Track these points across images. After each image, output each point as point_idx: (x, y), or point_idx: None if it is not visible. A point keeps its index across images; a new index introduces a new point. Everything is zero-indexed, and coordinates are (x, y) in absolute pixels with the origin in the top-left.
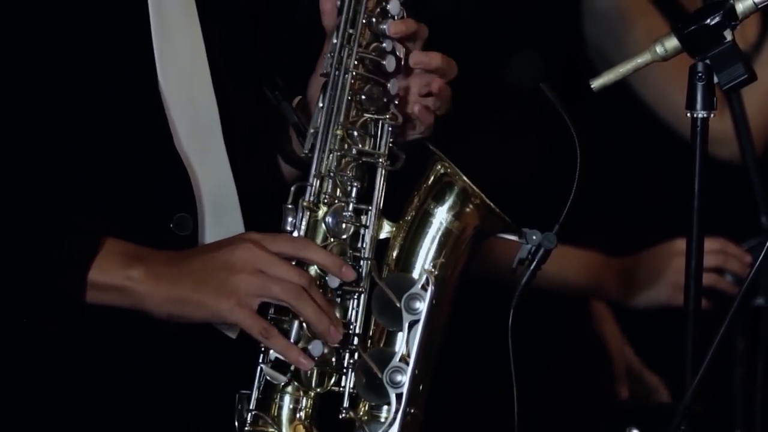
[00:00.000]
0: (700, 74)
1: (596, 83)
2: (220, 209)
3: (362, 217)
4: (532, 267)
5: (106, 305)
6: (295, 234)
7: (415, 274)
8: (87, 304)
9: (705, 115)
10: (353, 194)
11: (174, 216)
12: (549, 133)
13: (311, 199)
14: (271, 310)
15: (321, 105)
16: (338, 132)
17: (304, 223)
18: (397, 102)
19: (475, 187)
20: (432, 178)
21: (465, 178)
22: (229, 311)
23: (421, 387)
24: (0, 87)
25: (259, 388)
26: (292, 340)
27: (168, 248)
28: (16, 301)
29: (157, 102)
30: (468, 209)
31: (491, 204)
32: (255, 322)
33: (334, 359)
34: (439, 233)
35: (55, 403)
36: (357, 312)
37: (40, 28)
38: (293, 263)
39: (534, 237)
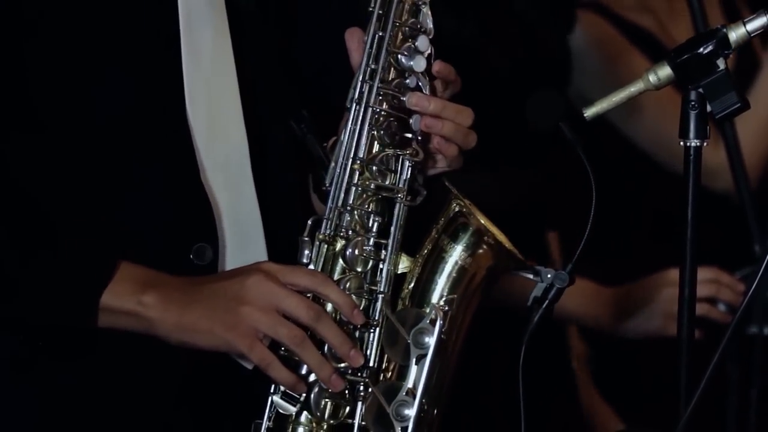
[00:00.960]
0: (693, 103)
1: (589, 112)
2: (244, 241)
3: (380, 251)
4: (544, 306)
5: (118, 329)
6: (311, 267)
7: (427, 310)
8: (102, 331)
9: (698, 144)
10: (372, 228)
11: (193, 245)
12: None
13: (328, 232)
14: None
15: (342, 139)
16: (356, 166)
17: (320, 256)
18: (419, 138)
19: (489, 226)
20: (448, 215)
21: (480, 216)
22: (235, 340)
23: (430, 422)
24: (27, 108)
25: (270, 418)
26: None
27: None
28: (29, 323)
29: (184, 132)
30: (482, 248)
31: (505, 243)
32: (256, 351)
33: (346, 392)
34: (454, 270)
35: (71, 430)
36: (371, 345)
37: (73, 53)
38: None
39: (548, 276)
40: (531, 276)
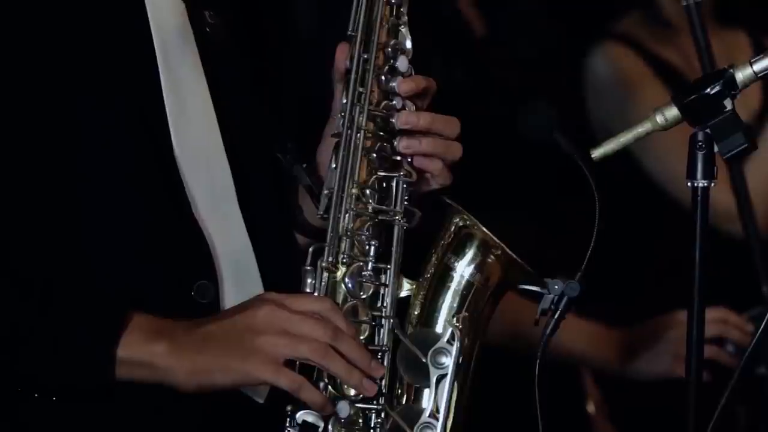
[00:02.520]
0: (700, 143)
1: (597, 153)
2: (240, 275)
3: (381, 276)
4: (555, 316)
5: (132, 381)
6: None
7: (439, 329)
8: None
9: (705, 185)
10: (371, 253)
11: (194, 284)
12: (567, 183)
13: (330, 259)
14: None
15: (334, 165)
16: (353, 191)
17: (323, 284)
18: (409, 159)
19: (495, 238)
20: (451, 231)
21: (485, 228)
22: (257, 370)
23: None
24: (18, 159)
25: None
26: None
27: (190, 316)
28: (44, 384)
29: (173, 168)
30: (489, 260)
31: (513, 254)
32: (285, 376)
33: (361, 420)
34: (461, 287)
35: None
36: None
37: (55, 95)
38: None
39: (556, 286)
40: (539, 288)
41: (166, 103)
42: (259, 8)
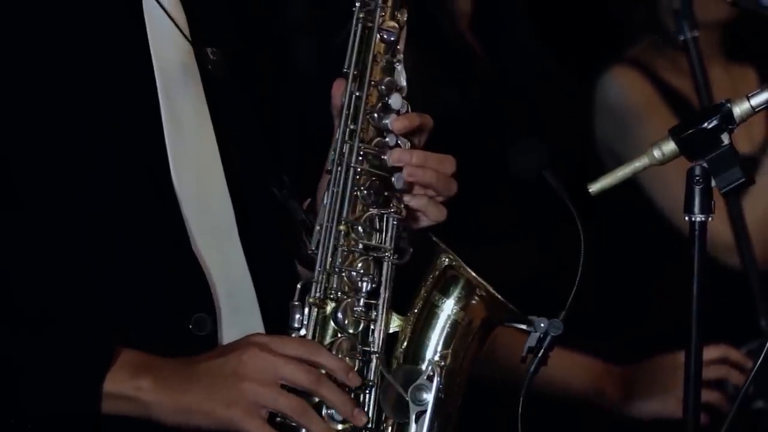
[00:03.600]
0: (697, 178)
1: (594, 187)
2: (238, 308)
3: (371, 311)
4: (540, 354)
5: (115, 414)
6: (303, 332)
7: (423, 366)
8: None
9: (703, 219)
10: (361, 289)
11: (192, 316)
12: (554, 222)
13: (318, 295)
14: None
15: (325, 201)
16: (342, 228)
17: (311, 320)
18: (402, 195)
19: (480, 278)
20: (437, 270)
21: (469, 269)
22: (239, 420)
23: None
24: (20, 191)
25: None
26: None
27: (187, 349)
28: (29, 412)
29: (172, 202)
30: (474, 300)
31: (497, 294)
32: (264, 429)
33: None
34: (447, 325)
35: None
36: (369, 406)
37: (57, 130)
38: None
39: (542, 324)
40: (524, 326)
41: (166, 138)
42: (260, 44)
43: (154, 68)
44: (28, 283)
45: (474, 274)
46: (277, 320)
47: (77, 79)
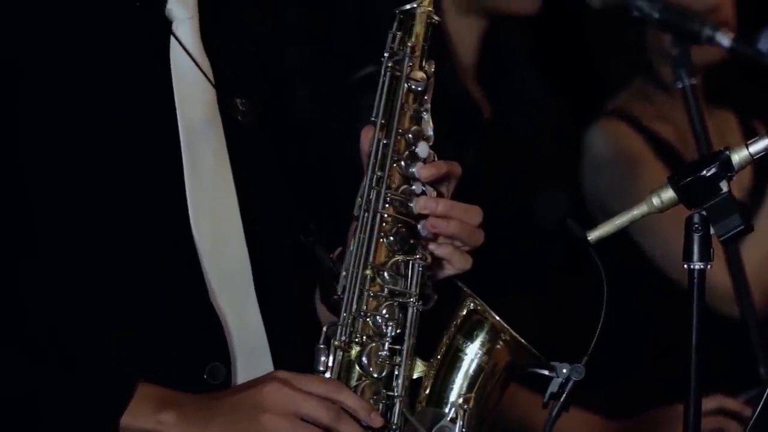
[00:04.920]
0: (696, 225)
1: (593, 235)
2: (251, 358)
3: (395, 356)
4: (561, 399)
5: None
6: (327, 374)
7: (447, 409)
8: None
9: (702, 267)
10: (386, 334)
11: (207, 365)
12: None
13: (343, 339)
14: None
15: (352, 248)
16: (368, 272)
17: (336, 363)
18: (428, 242)
19: (504, 324)
20: (462, 314)
21: (494, 314)
22: None
23: None
24: (31, 232)
25: None
26: None
27: None
28: None
29: (191, 251)
30: (498, 345)
31: (521, 339)
32: None
33: None
34: (471, 369)
35: None
36: None
37: (78, 171)
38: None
39: (564, 370)
40: (547, 372)
41: (187, 187)
42: (288, 92)
43: (178, 116)
44: (49, 321)
45: (499, 318)
46: (290, 370)
47: (101, 125)
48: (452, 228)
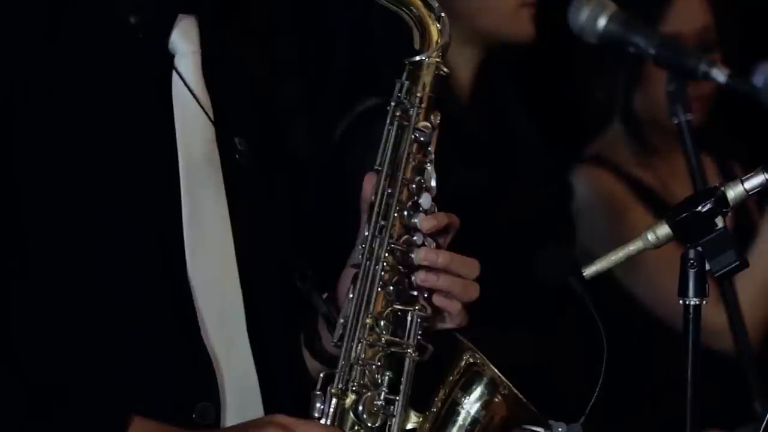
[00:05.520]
0: (692, 261)
1: (588, 271)
2: (243, 400)
3: (390, 406)
4: None
5: None
6: (323, 421)
7: None
8: None
9: (697, 302)
10: (381, 384)
11: (197, 405)
12: (576, 326)
13: (340, 386)
14: None
15: (351, 295)
16: (368, 321)
17: (331, 410)
18: (426, 294)
19: (503, 377)
20: (460, 366)
21: (494, 367)
22: None
23: None
24: (36, 269)
25: None
26: None
27: None
28: None
29: (186, 290)
30: (496, 399)
31: (520, 395)
32: None
33: None
34: (467, 422)
35: None
36: None
37: (76, 208)
38: None
39: (560, 429)
40: (542, 430)
41: (184, 228)
42: (287, 133)
43: (179, 152)
44: (43, 357)
45: (498, 372)
46: (279, 412)
47: (102, 159)
48: (443, 282)
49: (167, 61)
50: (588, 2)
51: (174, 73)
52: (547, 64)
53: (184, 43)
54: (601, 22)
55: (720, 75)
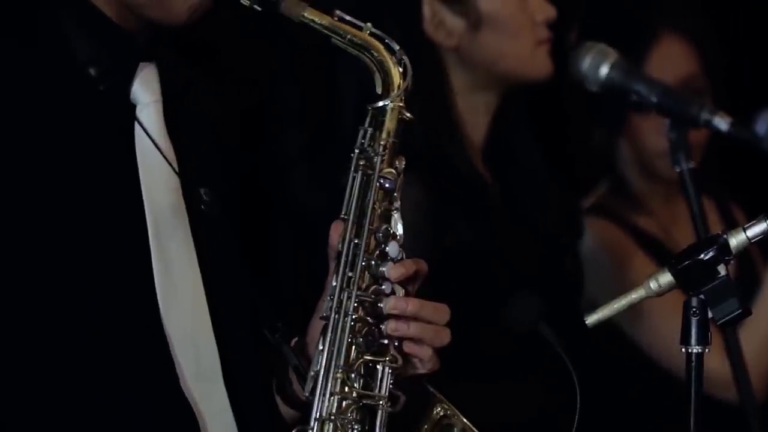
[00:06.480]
0: (694, 309)
1: (591, 319)
2: None
3: None
4: None
5: None
6: None
7: None
8: None
9: (700, 351)
10: None
11: None
12: (549, 373)
13: None
14: None
15: (321, 347)
16: (339, 375)
17: None
18: (396, 342)
19: (475, 429)
20: (432, 420)
21: (464, 419)
22: None
23: None
24: (12, 333)
25: None
26: None
27: None
28: None
29: (162, 342)
30: None
31: None
32: None
33: None
34: None
35: None
36: None
37: (46, 266)
38: None
39: None
40: None
41: (156, 279)
42: (253, 181)
43: (145, 203)
44: (22, 410)
45: (469, 423)
46: None
47: (68, 214)
48: (414, 330)
49: (129, 112)
50: (590, 50)
51: (136, 124)
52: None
53: (145, 92)
54: (603, 70)
55: (722, 123)
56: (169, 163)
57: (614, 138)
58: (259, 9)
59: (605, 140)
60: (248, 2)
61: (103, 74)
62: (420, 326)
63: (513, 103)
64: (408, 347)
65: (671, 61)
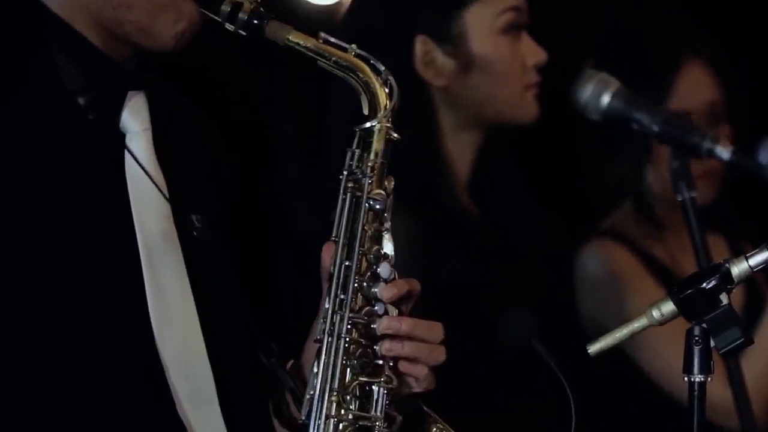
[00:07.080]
0: (696, 338)
1: (593, 348)
2: None
3: None
4: None
5: None
6: None
7: None
8: None
9: (702, 379)
10: None
11: None
12: (545, 393)
13: None
14: None
15: (316, 370)
16: (334, 398)
17: None
18: (391, 362)
19: None
20: None
21: None
22: None
23: None
24: (5, 359)
25: None
26: None
27: None
28: None
29: (158, 367)
30: None
31: None
32: None
33: None
34: None
35: None
36: None
37: (39, 295)
38: None
39: None
40: None
41: (149, 306)
42: (247, 206)
43: (136, 230)
44: None
45: None
46: None
47: (59, 243)
48: (408, 349)
49: (119, 141)
50: (591, 79)
51: (127, 153)
52: (549, 142)
53: (135, 121)
54: (605, 99)
55: (724, 152)
56: (160, 190)
57: (643, 165)
58: (244, 34)
59: (622, 168)
60: (233, 28)
61: (92, 103)
62: (414, 345)
63: (496, 139)
64: (403, 366)
65: (696, 87)
